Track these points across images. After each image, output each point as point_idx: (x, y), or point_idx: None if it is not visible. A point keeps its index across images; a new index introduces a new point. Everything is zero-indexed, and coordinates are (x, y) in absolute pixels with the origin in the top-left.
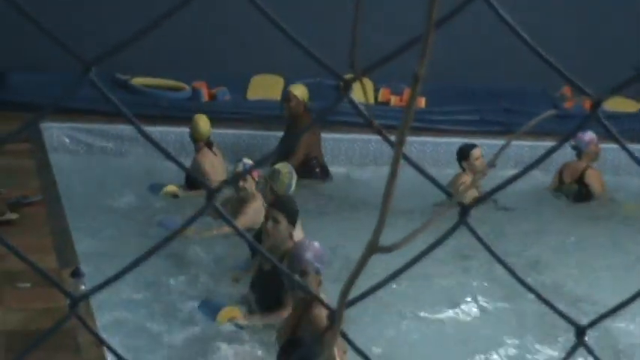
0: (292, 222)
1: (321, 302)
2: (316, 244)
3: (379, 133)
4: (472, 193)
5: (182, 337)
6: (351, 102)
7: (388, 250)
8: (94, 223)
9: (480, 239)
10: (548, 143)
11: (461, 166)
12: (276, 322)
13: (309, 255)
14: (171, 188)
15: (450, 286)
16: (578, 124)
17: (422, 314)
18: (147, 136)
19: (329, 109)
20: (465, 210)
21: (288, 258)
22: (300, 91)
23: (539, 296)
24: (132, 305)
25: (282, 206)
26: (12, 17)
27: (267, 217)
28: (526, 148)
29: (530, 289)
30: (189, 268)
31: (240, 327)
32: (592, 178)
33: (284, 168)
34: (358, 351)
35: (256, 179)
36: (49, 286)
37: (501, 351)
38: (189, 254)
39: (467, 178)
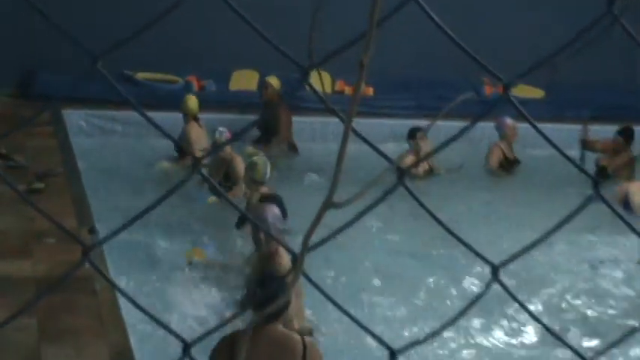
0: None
1: (286, 247)
2: (275, 208)
3: (332, 111)
4: (422, 166)
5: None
6: (311, 86)
7: (340, 205)
8: (107, 191)
9: (415, 198)
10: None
11: (409, 144)
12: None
13: (270, 217)
14: (164, 164)
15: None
16: (491, 104)
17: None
18: (145, 116)
19: (293, 93)
20: (402, 173)
21: (254, 219)
22: (274, 81)
23: (459, 239)
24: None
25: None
26: (42, 21)
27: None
28: (456, 127)
29: (451, 232)
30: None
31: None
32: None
33: (259, 159)
34: (317, 287)
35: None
36: (70, 242)
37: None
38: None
39: (411, 155)
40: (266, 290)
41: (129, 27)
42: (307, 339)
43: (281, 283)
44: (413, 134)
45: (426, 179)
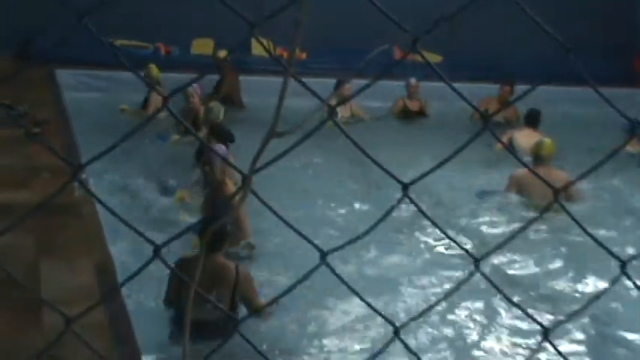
0: (230, 140)
1: (235, 168)
2: (223, 147)
3: (276, 59)
4: (346, 111)
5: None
6: (258, 40)
7: (281, 135)
8: (95, 137)
9: (344, 133)
10: (386, 82)
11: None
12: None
13: (219, 151)
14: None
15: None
16: (392, 64)
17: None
18: (134, 72)
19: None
20: (331, 110)
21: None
22: (223, 53)
23: (448, 236)
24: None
25: (219, 131)
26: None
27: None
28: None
29: (396, 180)
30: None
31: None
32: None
33: (215, 104)
34: (265, 204)
35: (199, 93)
36: (63, 176)
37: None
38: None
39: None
40: (213, 216)
41: None
42: (241, 268)
43: (226, 209)
44: (338, 85)
45: (352, 125)
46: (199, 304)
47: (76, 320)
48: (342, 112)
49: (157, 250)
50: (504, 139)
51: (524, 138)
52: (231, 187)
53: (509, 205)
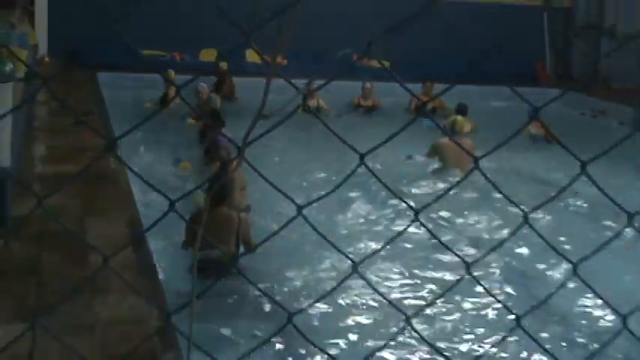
0: (222, 125)
1: (231, 140)
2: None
3: (261, 56)
4: (314, 103)
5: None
6: (254, 49)
7: (268, 117)
8: (125, 124)
9: (315, 114)
10: (348, 82)
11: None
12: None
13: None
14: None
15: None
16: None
17: None
18: (163, 76)
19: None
20: (304, 98)
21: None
22: (224, 64)
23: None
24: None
25: (216, 115)
26: (103, 31)
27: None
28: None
29: (353, 149)
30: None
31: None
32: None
33: (214, 97)
34: (256, 171)
35: (206, 91)
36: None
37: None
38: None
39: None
40: (216, 179)
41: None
42: (242, 215)
43: (225, 175)
44: (308, 84)
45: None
46: (210, 247)
47: (111, 258)
48: (310, 103)
49: (172, 204)
50: (448, 122)
51: (464, 123)
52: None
53: (428, 164)
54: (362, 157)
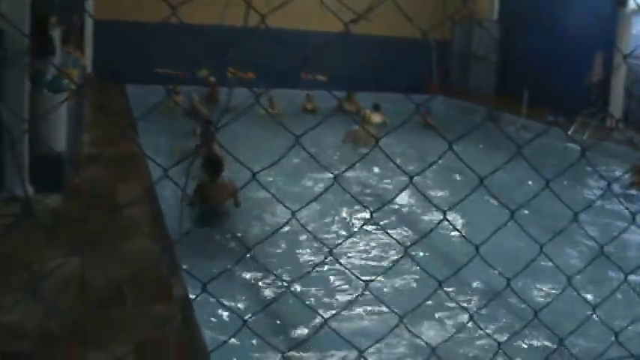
0: (209, 121)
1: (210, 122)
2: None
3: (234, 73)
4: (272, 108)
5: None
6: (231, 72)
7: (230, 110)
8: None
9: (268, 112)
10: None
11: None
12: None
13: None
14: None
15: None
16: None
17: None
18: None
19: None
20: (258, 95)
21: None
22: (212, 80)
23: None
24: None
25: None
26: (132, 47)
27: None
28: (288, 92)
29: (291, 132)
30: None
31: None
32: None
33: (201, 103)
34: (225, 149)
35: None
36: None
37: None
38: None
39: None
40: (206, 161)
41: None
42: (233, 180)
43: (213, 157)
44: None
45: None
46: (211, 203)
47: (127, 207)
48: (270, 109)
49: (165, 171)
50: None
51: (372, 115)
52: (216, 147)
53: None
54: (297, 137)
